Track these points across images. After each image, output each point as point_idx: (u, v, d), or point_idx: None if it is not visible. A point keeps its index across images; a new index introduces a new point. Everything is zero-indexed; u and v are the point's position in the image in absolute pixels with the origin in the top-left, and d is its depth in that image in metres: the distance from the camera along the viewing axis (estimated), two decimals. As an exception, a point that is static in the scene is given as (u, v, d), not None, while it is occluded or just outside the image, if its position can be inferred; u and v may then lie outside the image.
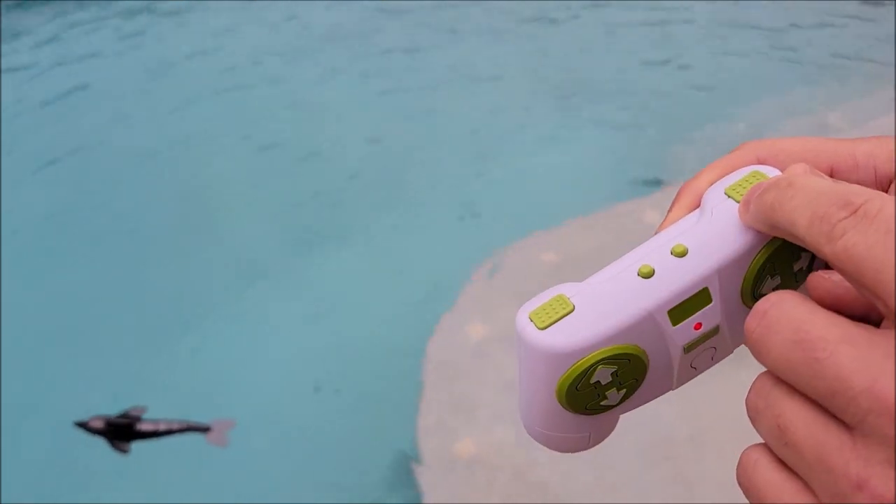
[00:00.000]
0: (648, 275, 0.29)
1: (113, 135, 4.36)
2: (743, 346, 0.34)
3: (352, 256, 3.33)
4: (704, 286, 0.29)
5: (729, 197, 0.30)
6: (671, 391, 0.32)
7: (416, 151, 4.05)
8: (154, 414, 2.34)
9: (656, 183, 3.55)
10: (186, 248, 3.45)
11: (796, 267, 0.30)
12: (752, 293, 0.30)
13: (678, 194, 0.33)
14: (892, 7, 5.18)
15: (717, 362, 0.32)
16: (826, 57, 4.90)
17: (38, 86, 4.98)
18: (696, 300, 0.29)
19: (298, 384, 2.72)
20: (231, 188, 3.86)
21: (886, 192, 0.31)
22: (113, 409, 2.60)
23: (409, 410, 2.47)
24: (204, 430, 2.24)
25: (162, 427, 2.18)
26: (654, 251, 0.30)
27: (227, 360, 2.88)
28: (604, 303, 0.28)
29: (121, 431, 2.16)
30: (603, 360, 0.28)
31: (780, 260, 0.29)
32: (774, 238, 0.29)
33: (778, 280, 0.30)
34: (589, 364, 0.28)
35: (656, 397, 0.32)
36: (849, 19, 5.39)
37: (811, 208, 0.24)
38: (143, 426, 2.17)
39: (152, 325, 3.05)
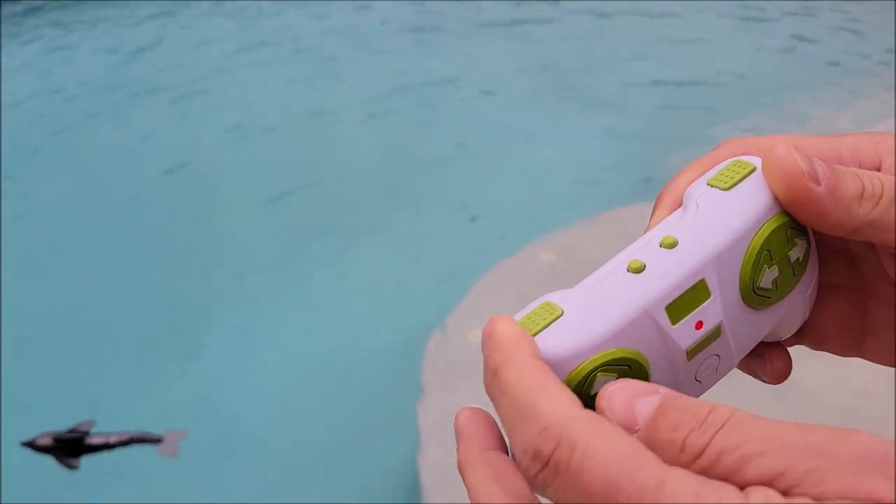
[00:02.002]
0: (639, 270, 0.27)
1: (115, 139, 4.38)
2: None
3: (353, 260, 3.34)
4: (701, 278, 0.27)
5: (713, 187, 0.29)
6: None
7: (416, 155, 4.05)
8: (168, 418, 2.33)
9: (659, 186, 3.55)
10: (188, 251, 3.46)
11: (793, 256, 0.29)
12: (753, 288, 0.28)
13: (659, 198, 0.32)
14: (892, 5, 5.17)
15: (721, 376, 0.30)
16: (832, 59, 4.89)
17: (39, 88, 5.00)
18: (693, 294, 0.27)
19: (300, 386, 2.72)
20: (233, 191, 3.87)
21: None
22: (116, 414, 2.60)
23: (410, 413, 2.47)
24: (156, 441, 2.20)
25: (113, 440, 2.14)
26: (642, 248, 0.28)
27: (229, 363, 2.89)
28: (595, 304, 0.26)
29: (70, 447, 2.11)
30: (601, 366, 0.26)
31: (776, 246, 0.28)
32: (768, 222, 0.28)
33: (776, 272, 0.28)
34: (587, 371, 0.25)
35: None
36: (855, 22, 5.39)
37: (513, 440, 0.23)
38: (93, 440, 2.12)
39: (154, 330, 3.06)
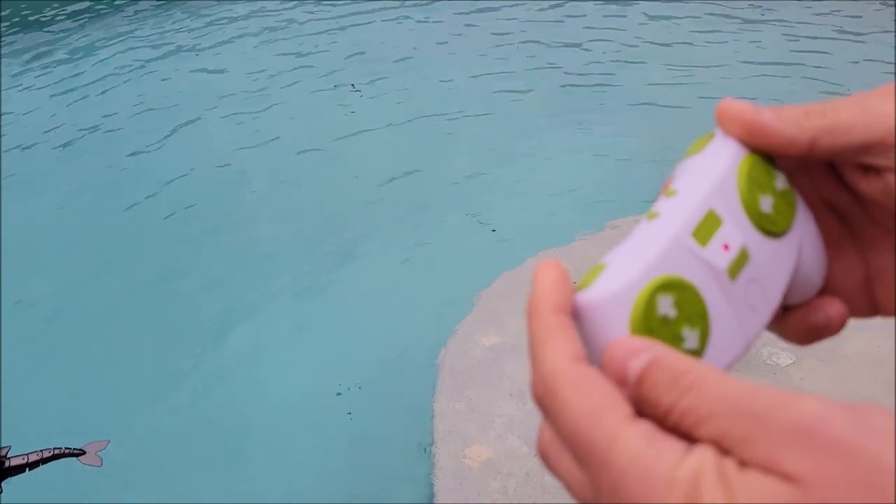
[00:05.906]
0: (656, 215, 0.32)
1: (142, 145, 4.45)
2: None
3: (370, 268, 3.39)
4: (708, 207, 0.32)
5: (688, 156, 0.34)
6: (748, 348, 0.32)
7: (433, 169, 4.11)
8: (179, 421, 2.36)
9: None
10: (213, 255, 3.51)
11: (778, 185, 0.33)
12: (758, 213, 0.32)
13: None
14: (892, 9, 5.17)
15: (771, 305, 0.33)
16: (840, 70, 4.91)
17: (67, 101, 5.09)
18: (708, 221, 0.31)
19: (318, 391, 2.77)
20: (251, 202, 3.93)
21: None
22: (137, 413, 2.65)
23: (424, 417, 2.51)
24: (78, 454, 2.15)
25: (33, 458, 2.08)
26: (653, 205, 0.33)
27: (249, 368, 2.93)
28: (630, 249, 0.31)
29: None
30: (656, 288, 0.29)
31: (760, 177, 0.33)
32: (744, 159, 0.33)
33: (770, 198, 0.33)
34: (647, 296, 0.29)
35: (736, 353, 0.31)
36: (862, 34, 5.42)
37: (531, 376, 0.28)
38: (13, 461, 2.07)
39: (177, 330, 3.10)
